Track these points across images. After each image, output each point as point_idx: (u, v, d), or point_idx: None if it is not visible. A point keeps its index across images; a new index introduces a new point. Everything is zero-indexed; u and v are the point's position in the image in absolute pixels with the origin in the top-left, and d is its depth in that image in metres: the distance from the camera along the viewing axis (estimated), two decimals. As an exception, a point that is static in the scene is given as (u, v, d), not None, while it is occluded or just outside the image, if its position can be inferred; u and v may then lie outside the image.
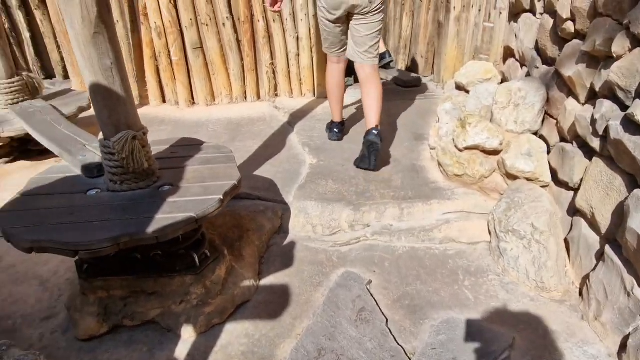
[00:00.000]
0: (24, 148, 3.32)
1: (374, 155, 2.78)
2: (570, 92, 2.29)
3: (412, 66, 4.94)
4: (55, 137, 2.53)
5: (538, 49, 2.72)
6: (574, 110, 2.21)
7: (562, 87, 2.37)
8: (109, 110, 1.83)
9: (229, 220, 2.53)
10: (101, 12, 1.67)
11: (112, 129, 1.87)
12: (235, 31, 4.02)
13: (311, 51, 4.14)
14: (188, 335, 1.97)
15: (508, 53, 3.39)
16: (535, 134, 2.56)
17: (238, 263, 2.29)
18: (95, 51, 1.72)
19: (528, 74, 2.85)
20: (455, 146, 2.61)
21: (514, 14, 3.31)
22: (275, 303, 2.15)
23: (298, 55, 4.16)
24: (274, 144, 3.41)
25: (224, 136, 3.58)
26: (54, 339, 2.02)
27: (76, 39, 1.70)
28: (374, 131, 2.80)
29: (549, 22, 2.54)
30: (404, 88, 4.52)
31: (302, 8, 3.95)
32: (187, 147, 2.38)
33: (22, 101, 3.21)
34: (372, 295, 2.13)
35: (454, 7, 4.01)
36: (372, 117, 2.83)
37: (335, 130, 3.38)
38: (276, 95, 4.34)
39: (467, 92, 3.51)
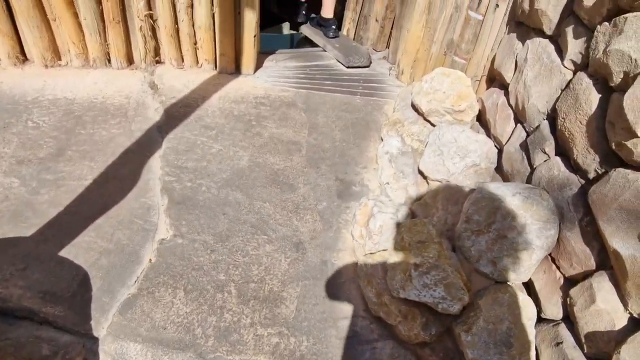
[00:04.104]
0: None
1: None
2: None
3: (362, 30, 3.60)
4: None
5: (556, 127, 1.56)
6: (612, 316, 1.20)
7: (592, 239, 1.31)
8: None
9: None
10: None
11: None
12: (85, -43, 2.48)
13: (211, 4, 2.71)
14: None
15: (497, 79, 2.22)
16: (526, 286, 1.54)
17: None
18: None
19: (526, 144, 1.74)
20: (389, 288, 1.54)
21: (518, 23, 2.08)
22: None
23: (191, 6, 2.73)
24: (122, 174, 2.16)
25: (48, 143, 2.26)
26: None
27: None
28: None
29: (618, 99, 1.26)
30: (344, 69, 3.26)
31: None
32: None
33: None
34: None
35: (429, -33, 2.67)
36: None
37: (334, 27, 3.36)
38: (157, 61, 2.94)
39: (428, 121, 2.37)
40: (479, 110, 2.31)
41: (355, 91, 3.04)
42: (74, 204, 1.98)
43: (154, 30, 2.80)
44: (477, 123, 2.34)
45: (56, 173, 2.11)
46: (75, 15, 2.66)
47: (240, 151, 2.38)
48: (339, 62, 3.31)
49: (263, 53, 3.26)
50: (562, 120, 1.47)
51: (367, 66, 3.31)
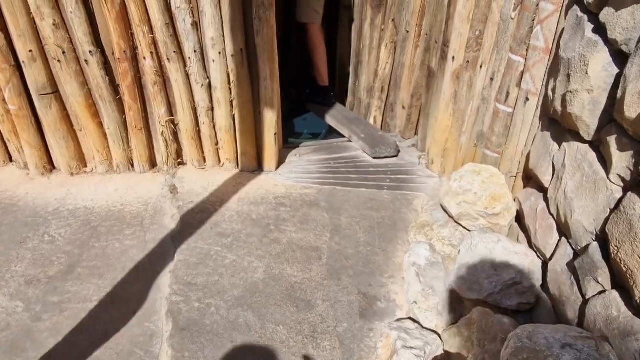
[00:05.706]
0: None
1: None
2: None
3: (389, 118, 3.50)
4: None
5: (609, 254, 1.28)
6: None
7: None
8: None
9: None
10: None
11: None
12: (108, 72, 2.56)
13: (231, 105, 2.70)
14: None
15: (533, 179, 1.99)
16: None
17: None
18: None
19: (574, 265, 1.48)
20: None
21: (551, 120, 1.88)
22: None
23: (212, 109, 2.73)
24: (129, 294, 2.04)
25: (60, 260, 2.20)
26: None
27: None
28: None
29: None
30: (371, 160, 3.12)
31: (215, 44, 2.49)
32: None
33: None
34: None
35: (453, 57, 2.56)
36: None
37: (332, 93, 3.54)
38: (180, 163, 2.92)
39: (460, 224, 2.13)
40: (517, 212, 2.06)
41: (382, 184, 2.87)
42: (73, 333, 1.86)
43: (175, 134, 2.81)
44: (517, 224, 2.08)
45: (62, 294, 2.02)
46: (100, 125, 2.71)
47: (255, 261, 2.22)
48: (365, 152, 3.18)
49: (286, 147, 3.20)
50: (616, 248, 1.21)
51: (395, 156, 3.16)
